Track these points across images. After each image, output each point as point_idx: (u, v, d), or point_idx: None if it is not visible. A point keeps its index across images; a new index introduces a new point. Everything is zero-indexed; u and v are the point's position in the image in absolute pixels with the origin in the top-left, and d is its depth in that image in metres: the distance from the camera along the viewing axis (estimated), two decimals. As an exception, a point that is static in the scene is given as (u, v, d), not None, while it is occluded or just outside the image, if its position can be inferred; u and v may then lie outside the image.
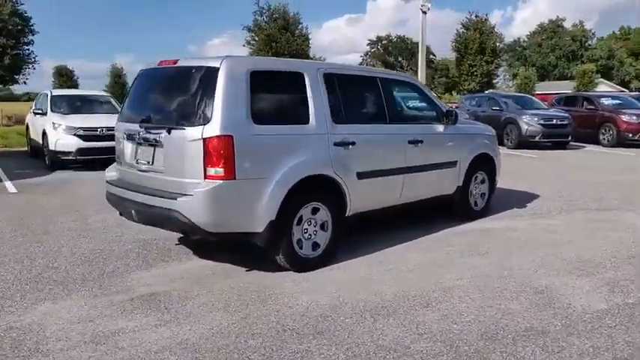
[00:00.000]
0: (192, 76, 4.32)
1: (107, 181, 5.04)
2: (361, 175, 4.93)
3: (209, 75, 4.19)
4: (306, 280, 4.38)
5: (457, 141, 6.16)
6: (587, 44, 69.05)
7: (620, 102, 17.15)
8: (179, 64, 4.55)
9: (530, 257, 4.96)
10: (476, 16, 28.52)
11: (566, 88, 36.55)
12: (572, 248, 5.25)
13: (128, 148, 4.76)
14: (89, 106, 12.94)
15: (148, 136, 4.44)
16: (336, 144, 4.73)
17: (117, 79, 28.81)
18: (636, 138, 15.62)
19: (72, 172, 10.85)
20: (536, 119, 15.17)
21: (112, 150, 11.59)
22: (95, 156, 11.15)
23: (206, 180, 4.07)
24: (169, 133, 4.24)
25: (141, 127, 4.49)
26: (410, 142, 5.50)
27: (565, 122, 15.36)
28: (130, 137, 4.69)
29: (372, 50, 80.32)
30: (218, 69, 4.16)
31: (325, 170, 4.63)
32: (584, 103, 17.48)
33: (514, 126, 15.45)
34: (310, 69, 4.78)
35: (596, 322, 3.52)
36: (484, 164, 6.56)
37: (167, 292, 4.11)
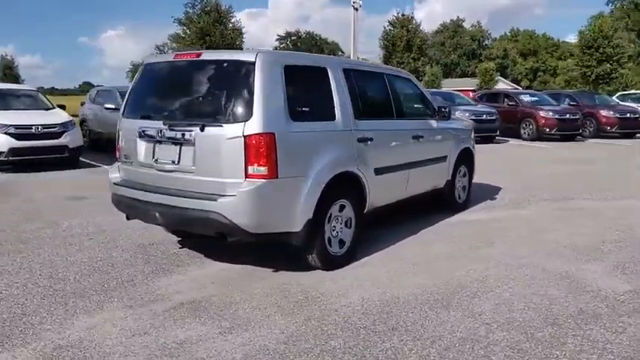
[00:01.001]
0: (223, 70, 4.14)
1: (114, 183, 4.68)
2: (378, 171, 4.98)
3: (244, 69, 4.02)
4: (342, 277, 4.35)
5: (447, 136, 6.40)
6: (484, 44, 73.80)
7: (537, 99, 18.57)
8: (204, 57, 4.32)
9: (532, 245, 5.27)
10: (402, 14, 29.50)
11: (470, 84, 38.93)
12: (562, 236, 5.64)
13: (142, 146, 4.44)
14: (17, 102, 11.82)
15: (173, 133, 4.18)
16: (359, 140, 4.73)
17: (7, 70, 26.22)
18: (553, 132, 16.97)
19: (3, 174, 9.89)
20: (467, 115, 15.99)
21: (49, 149, 11.10)
22: (29, 156, 10.31)
23: (247, 179, 3.91)
24: (202, 130, 4.02)
25: (165, 124, 4.21)
26: (413, 138, 5.63)
27: (493, 117, 16.36)
28: (146, 135, 4.38)
29: (282, 46, 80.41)
30: (254, 63, 4.01)
31: (351, 167, 4.63)
32: (506, 99, 18.71)
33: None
34: (332, 63, 4.75)
35: (635, 303, 3.83)
36: (466, 158, 6.86)
37: (206, 298, 3.91)
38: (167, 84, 4.50)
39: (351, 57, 23.63)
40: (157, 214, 4.24)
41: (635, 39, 44.86)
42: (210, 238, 4.37)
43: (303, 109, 4.28)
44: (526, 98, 18.40)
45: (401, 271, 4.50)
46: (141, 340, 3.23)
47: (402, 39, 28.09)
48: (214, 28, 21.84)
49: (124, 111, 4.78)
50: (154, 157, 4.36)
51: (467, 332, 3.34)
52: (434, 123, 6.11)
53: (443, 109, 6.19)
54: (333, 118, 4.54)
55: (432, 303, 3.81)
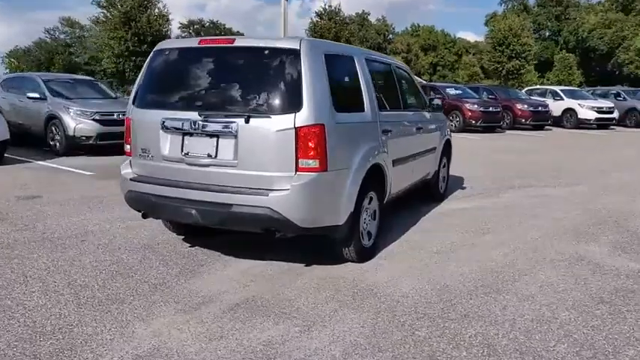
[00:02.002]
0: (264, 58, 3.94)
1: (131, 179, 4.32)
2: (394, 163, 5.03)
3: (289, 57, 3.88)
4: (376, 269, 4.36)
5: (436, 127, 6.59)
6: (389, 38, 76.34)
7: (461, 92, 19.57)
8: (239, 44, 4.10)
9: (530, 230, 5.60)
10: (329, 6, 29.69)
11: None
12: (548, 221, 6.04)
13: (166, 139, 4.14)
14: None
15: (210, 125, 3.94)
16: (382, 132, 4.75)
17: None
18: (478, 124, 18.00)
19: None
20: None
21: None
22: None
23: (298, 173, 3.79)
24: (247, 122, 3.82)
25: (200, 115, 3.95)
26: (416, 129, 5.75)
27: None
28: (172, 127, 4.09)
29: (184, 35, 78.05)
30: (298, 51, 3.88)
31: (379, 159, 4.63)
32: (432, 92, 19.51)
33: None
34: (358, 52, 4.72)
35: (656, 278, 4.21)
36: (447, 150, 7.11)
37: (258, 296, 3.75)
38: (195, 72, 4.20)
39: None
40: (194, 212, 3.98)
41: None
42: (252, 234, 4.22)
43: (342, 99, 4.21)
44: (452, 91, 19.35)
45: (431, 261, 4.59)
46: (224, 344, 3.04)
47: (331, 31, 28.33)
48: (139, 13, 20.65)
49: (135, 100, 4.42)
50: (182, 151, 4.08)
51: (534, 314, 3.50)
52: (427, 114, 6.27)
53: (434, 101, 6.36)
54: (362, 109, 4.51)
55: (482, 289, 3.94)
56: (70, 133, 10.68)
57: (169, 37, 22.22)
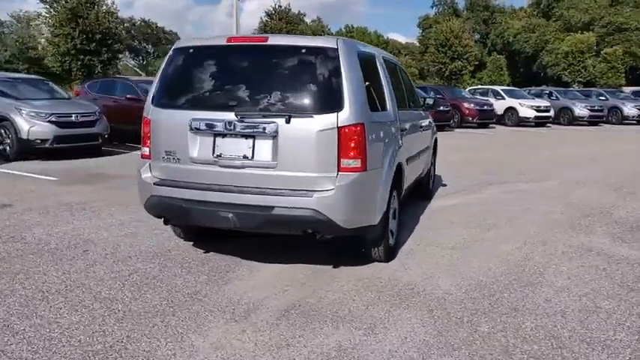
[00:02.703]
0: (301, 57, 3.85)
1: (155, 184, 4.08)
2: (407, 161, 5.07)
3: (327, 56, 3.82)
4: (405, 267, 4.37)
5: (430, 126, 6.69)
6: (325, 39, 76.89)
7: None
8: (273, 42, 3.98)
9: (527, 225, 5.81)
10: (279, 6, 29.34)
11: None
12: (539, 215, 6.30)
13: (195, 140, 3.95)
14: None
15: (247, 126, 3.79)
16: (401, 130, 4.77)
17: None
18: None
19: None
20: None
21: None
22: None
23: (340, 173, 3.73)
24: (289, 122, 3.71)
25: (237, 115, 3.80)
26: (420, 128, 5.82)
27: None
28: (202, 128, 3.91)
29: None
30: (337, 50, 3.82)
31: (401, 157, 4.65)
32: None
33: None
34: (377, 53, 4.71)
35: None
36: (435, 148, 7.25)
37: (303, 301, 3.66)
38: (226, 71, 4.02)
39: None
40: (231, 216, 3.82)
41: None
42: (263, 236, 4.10)
43: (371, 98, 4.18)
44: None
45: (452, 257, 4.65)
46: (295, 352, 2.95)
47: (282, 31, 28.09)
48: (87, 9, 19.48)
49: (155, 100, 4.18)
50: (214, 153, 3.91)
51: (577, 305, 3.63)
52: (423, 113, 6.36)
53: (427, 101, 6.46)
54: (386, 108, 4.51)
55: (516, 283, 4.04)
56: (24, 136, 9.98)
57: (120, 35, 21.38)
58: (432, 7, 57.95)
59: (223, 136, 3.88)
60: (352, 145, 3.73)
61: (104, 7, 20.87)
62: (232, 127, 3.82)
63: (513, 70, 49.90)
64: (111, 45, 20.85)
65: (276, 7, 29.62)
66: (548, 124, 22.97)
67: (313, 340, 3.09)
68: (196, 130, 3.93)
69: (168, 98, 4.13)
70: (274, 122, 3.74)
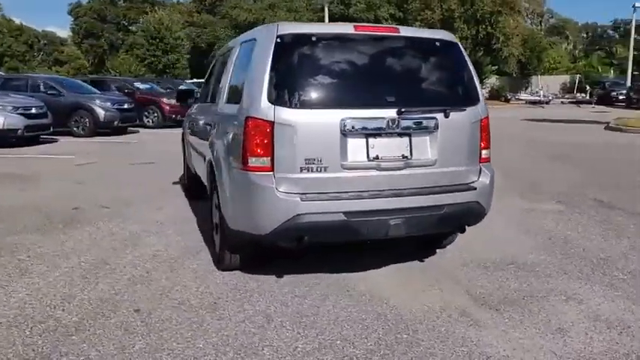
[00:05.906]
0: (434, 49, 3.78)
1: (302, 200, 3.27)
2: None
3: (454, 50, 3.88)
4: (486, 247, 4.52)
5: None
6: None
7: (150, 87, 18.74)
8: (405, 34, 3.69)
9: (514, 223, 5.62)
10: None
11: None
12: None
13: (346, 142, 3.37)
14: None
15: (407, 123, 3.48)
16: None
17: None
18: (179, 118, 17.67)
19: None
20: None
21: None
22: None
23: (481, 164, 3.85)
24: (447, 116, 3.57)
25: (399, 112, 3.41)
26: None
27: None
28: (358, 128, 3.38)
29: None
30: (457, 44, 3.89)
31: None
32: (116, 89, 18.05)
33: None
34: None
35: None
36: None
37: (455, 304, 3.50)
38: (363, 64, 3.46)
39: None
40: (401, 222, 3.43)
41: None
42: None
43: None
44: (141, 86, 18.37)
45: (503, 231, 4.99)
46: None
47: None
48: None
49: (276, 98, 3.29)
50: (368, 155, 3.43)
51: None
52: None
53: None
54: None
55: (548, 273, 4.12)
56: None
57: None
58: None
59: (376, 136, 3.44)
60: (486, 136, 3.87)
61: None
62: (396, 125, 3.44)
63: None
64: None
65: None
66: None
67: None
68: (350, 131, 3.36)
69: (299, 96, 3.33)
70: (434, 117, 3.55)
